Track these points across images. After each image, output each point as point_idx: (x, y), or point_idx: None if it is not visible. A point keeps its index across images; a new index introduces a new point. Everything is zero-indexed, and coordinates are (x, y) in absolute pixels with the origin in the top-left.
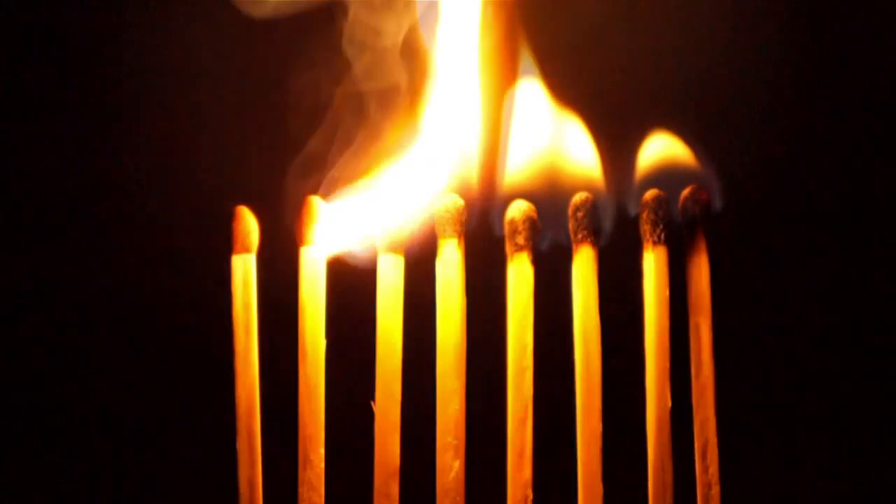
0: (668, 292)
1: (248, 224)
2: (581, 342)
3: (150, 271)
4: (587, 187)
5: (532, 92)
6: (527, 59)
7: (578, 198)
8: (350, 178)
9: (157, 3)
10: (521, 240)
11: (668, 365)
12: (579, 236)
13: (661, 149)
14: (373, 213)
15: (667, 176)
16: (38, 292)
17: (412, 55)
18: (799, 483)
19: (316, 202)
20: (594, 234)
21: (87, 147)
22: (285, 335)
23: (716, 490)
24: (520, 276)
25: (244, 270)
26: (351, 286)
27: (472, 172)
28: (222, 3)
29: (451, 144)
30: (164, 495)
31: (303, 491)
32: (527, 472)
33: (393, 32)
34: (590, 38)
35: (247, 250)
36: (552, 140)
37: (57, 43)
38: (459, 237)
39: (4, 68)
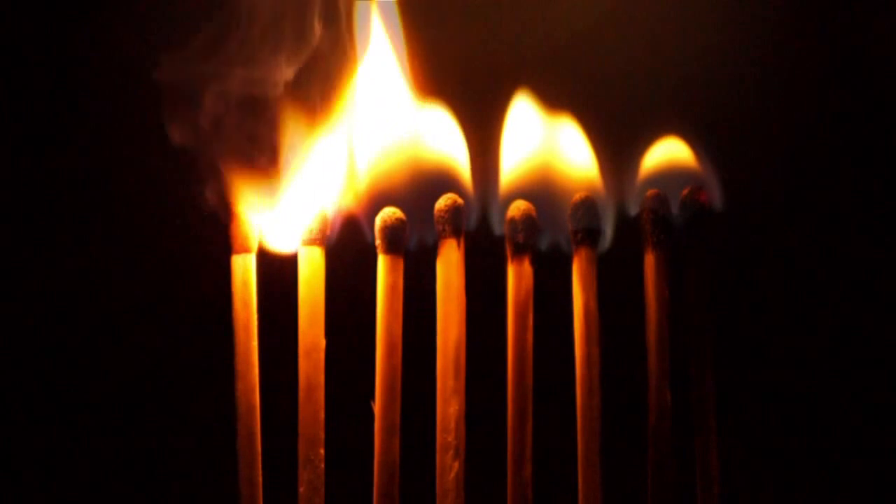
0: (667, 292)
1: (248, 224)
2: (581, 342)
3: (150, 271)
4: (587, 189)
5: (528, 101)
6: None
7: (578, 198)
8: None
9: (158, 4)
10: (521, 239)
11: (667, 365)
12: (579, 236)
13: (660, 150)
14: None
15: (666, 177)
16: (38, 293)
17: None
18: (799, 483)
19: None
20: (594, 233)
21: (86, 147)
22: (285, 335)
23: (716, 490)
24: (520, 276)
25: (244, 270)
26: (351, 286)
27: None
28: (222, 4)
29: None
30: (164, 495)
31: (303, 491)
32: (527, 472)
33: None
34: (589, 39)
35: (247, 250)
36: (550, 143)
37: (59, 43)
38: (459, 237)
39: (5, 71)
